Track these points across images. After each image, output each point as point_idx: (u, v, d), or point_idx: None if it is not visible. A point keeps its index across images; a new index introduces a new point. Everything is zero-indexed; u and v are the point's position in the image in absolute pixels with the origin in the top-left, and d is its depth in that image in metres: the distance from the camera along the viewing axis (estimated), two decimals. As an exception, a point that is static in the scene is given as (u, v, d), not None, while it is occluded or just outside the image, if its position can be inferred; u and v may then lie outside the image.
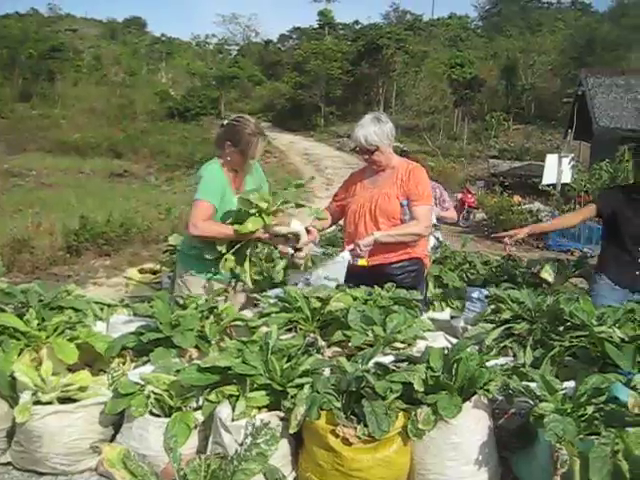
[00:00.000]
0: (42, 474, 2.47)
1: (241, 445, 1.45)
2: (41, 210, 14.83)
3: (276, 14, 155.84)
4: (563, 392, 2.25)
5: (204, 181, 3.62)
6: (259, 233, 3.51)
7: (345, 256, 3.71)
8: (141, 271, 4.81)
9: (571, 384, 2.37)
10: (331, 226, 4.35)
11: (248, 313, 3.33)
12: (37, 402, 2.47)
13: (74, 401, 2.52)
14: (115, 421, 2.55)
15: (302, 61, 45.04)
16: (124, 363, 2.84)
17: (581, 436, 2.02)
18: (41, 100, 41.34)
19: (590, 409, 2.12)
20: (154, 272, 4.78)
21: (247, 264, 3.60)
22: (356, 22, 67.58)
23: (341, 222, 4.23)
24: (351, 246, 3.70)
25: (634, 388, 2.21)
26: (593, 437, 1.99)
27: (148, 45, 68.14)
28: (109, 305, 3.53)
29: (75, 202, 16.62)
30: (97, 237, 11.12)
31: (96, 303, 3.47)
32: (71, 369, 2.74)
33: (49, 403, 2.48)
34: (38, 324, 2.91)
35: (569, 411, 2.12)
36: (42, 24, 51.01)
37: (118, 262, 10.52)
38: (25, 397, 2.47)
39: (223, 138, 3.69)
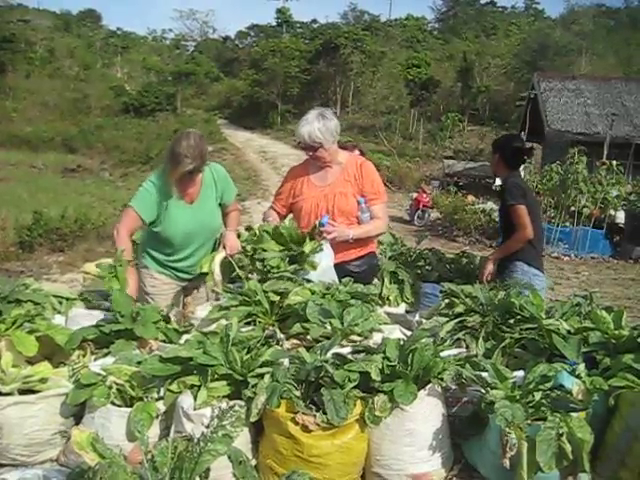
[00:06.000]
0: (2, 465, 2.45)
1: (207, 427, 1.50)
2: (-9, 205, 14.49)
3: (234, 11, 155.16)
4: (513, 380, 2.36)
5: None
6: None
7: (325, 246, 3.56)
8: (98, 266, 4.78)
9: (520, 373, 2.48)
10: None
11: (208, 306, 3.37)
12: (-3, 393, 2.47)
13: (35, 392, 2.52)
14: (76, 412, 2.56)
15: (259, 58, 44.90)
16: (84, 355, 2.86)
17: (529, 421, 2.13)
18: (-9, 92, 40.25)
19: (538, 396, 2.24)
20: (112, 267, 4.75)
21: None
22: (314, 21, 67.91)
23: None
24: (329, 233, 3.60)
25: (578, 376, 2.34)
26: (540, 422, 2.11)
27: (103, 39, 66.85)
28: (68, 299, 3.52)
29: (27, 197, 16.31)
30: (51, 232, 10.97)
31: (55, 296, 3.45)
32: (30, 362, 2.74)
33: (9, 394, 2.48)
34: (-4, 317, 2.89)
35: (518, 398, 2.23)
36: (-8, 14, 49.50)
37: (72, 258, 10.39)
38: (-16, 388, 2.46)
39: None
